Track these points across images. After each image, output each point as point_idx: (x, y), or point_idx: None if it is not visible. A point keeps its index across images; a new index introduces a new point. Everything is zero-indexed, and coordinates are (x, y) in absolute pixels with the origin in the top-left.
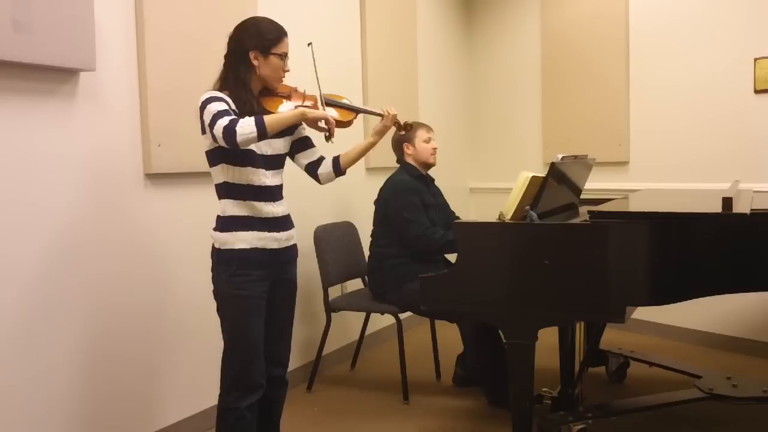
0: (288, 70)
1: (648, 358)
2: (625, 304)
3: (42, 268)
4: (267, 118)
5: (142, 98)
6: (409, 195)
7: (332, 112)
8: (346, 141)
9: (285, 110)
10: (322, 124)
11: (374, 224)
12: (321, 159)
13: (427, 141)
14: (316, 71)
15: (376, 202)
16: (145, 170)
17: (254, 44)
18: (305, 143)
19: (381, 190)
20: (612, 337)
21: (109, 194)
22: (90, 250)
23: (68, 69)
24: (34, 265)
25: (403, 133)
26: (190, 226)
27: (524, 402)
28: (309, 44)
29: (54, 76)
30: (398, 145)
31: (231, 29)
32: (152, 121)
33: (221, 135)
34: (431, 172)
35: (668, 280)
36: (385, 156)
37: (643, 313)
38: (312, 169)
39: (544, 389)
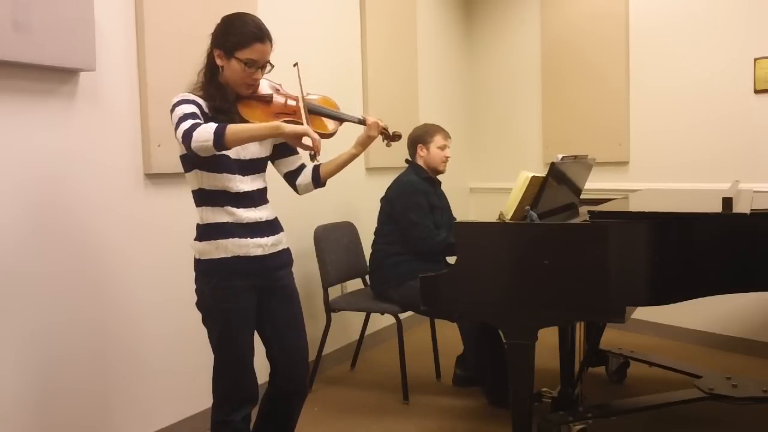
0: (257, 79)
1: (648, 358)
2: (625, 304)
3: (43, 267)
4: (231, 128)
5: (142, 98)
6: (417, 196)
7: (330, 124)
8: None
9: (260, 120)
10: (306, 141)
11: (378, 222)
12: (301, 167)
13: (442, 148)
14: (301, 89)
15: (383, 200)
16: (145, 170)
17: (218, 42)
18: (287, 149)
19: (389, 188)
20: (612, 337)
21: (109, 194)
22: (90, 249)
23: (68, 69)
24: (36, 264)
25: (391, 144)
26: (191, 226)
27: (524, 402)
28: (295, 64)
29: (54, 76)
30: (413, 144)
31: None
32: (152, 121)
33: (180, 139)
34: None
35: (668, 280)
36: (385, 156)
37: (643, 313)
38: (291, 178)
39: (544, 389)
